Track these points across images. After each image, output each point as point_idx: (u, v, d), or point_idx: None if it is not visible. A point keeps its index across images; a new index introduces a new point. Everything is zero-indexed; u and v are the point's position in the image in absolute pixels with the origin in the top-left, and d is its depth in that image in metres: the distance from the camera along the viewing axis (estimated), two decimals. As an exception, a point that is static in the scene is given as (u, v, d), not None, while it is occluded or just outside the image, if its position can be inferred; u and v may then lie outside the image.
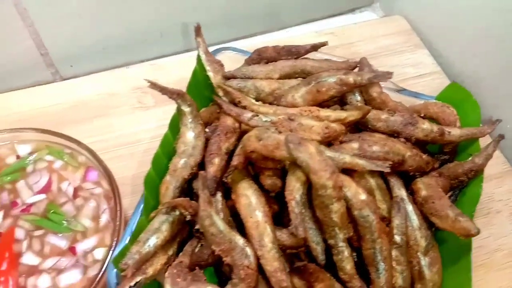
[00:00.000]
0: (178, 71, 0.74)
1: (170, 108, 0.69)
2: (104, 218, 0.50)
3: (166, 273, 0.44)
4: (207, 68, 0.55)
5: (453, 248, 0.47)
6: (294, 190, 0.41)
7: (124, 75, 0.75)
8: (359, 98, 0.52)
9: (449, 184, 0.50)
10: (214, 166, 0.45)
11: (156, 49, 0.79)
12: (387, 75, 0.46)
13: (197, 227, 0.47)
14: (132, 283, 0.42)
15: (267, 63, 0.56)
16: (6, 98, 0.70)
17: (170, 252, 0.47)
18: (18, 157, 0.54)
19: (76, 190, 0.52)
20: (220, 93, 0.54)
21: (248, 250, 0.42)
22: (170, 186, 0.46)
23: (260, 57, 0.57)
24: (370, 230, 0.42)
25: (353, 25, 0.85)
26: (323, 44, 0.54)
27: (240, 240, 0.42)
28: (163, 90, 0.46)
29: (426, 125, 0.50)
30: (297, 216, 0.40)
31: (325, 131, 0.44)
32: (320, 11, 0.89)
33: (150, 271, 0.44)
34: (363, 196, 0.42)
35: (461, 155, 0.54)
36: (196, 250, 0.48)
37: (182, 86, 0.71)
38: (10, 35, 0.67)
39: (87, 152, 0.53)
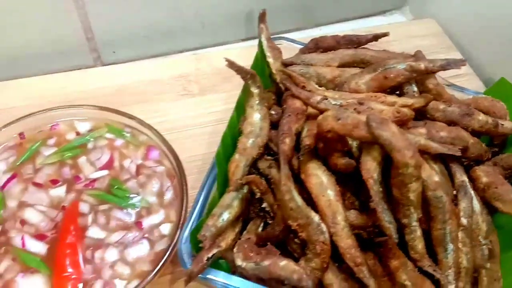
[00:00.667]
0: (219, 62, 0.76)
1: (214, 97, 0.71)
2: (169, 195, 0.51)
3: (235, 249, 0.45)
4: (268, 54, 0.56)
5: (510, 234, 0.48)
6: (371, 169, 0.42)
7: (165, 63, 0.76)
8: (415, 89, 0.53)
9: (503, 173, 0.52)
10: (286, 145, 0.46)
11: (196, 39, 0.80)
12: (460, 62, 0.48)
13: (264, 205, 0.48)
14: (210, 255, 0.42)
15: (323, 52, 0.57)
16: (48, 79, 0.70)
17: (237, 229, 0.47)
18: (77, 133, 0.54)
19: (138, 167, 0.52)
20: (278, 79, 0.56)
21: (324, 227, 0.43)
22: (240, 164, 0.47)
23: (317, 46, 0.58)
24: (442, 211, 0.43)
25: (387, 26, 0.88)
26: (385, 34, 0.56)
27: (315, 217, 0.43)
28: (239, 69, 0.47)
29: (481, 116, 0.52)
30: (377, 194, 0.42)
31: (396, 115, 0.46)
32: (353, 11, 0.91)
33: (223, 245, 0.45)
34: (436, 178, 0.43)
35: (509, 148, 0.56)
36: (260, 228, 0.49)
37: (221, 77, 0.73)
38: (60, 16, 0.67)
39: (149, 130, 0.53)
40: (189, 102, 0.70)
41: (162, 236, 0.48)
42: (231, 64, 0.47)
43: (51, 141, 0.53)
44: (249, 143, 0.48)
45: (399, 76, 0.49)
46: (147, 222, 0.49)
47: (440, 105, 0.52)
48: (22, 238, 0.46)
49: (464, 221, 0.45)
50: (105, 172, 0.51)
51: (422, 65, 0.48)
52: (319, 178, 0.45)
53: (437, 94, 0.53)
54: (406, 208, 0.42)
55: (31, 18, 0.66)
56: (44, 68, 0.71)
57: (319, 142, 0.46)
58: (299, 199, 0.42)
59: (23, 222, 0.47)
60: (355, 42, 0.55)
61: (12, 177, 0.50)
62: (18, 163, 0.51)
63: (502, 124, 0.53)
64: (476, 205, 0.47)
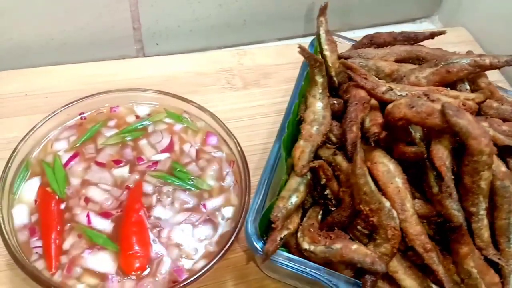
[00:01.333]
0: (261, 58, 0.77)
1: (257, 91, 0.72)
2: (229, 179, 0.51)
3: (299, 234, 0.46)
4: (325, 47, 0.57)
5: None
6: (444, 156, 0.43)
7: (207, 57, 0.76)
8: (468, 87, 0.55)
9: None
10: (353, 133, 0.47)
11: (238, 36, 0.81)
12: (526, 58, 0.49)
13: (326, 192, 0.49)
14: (282, 235, 0.43)
15: (377, 48, 0.59)
16: (98, 66, 0.70)
17: (299, 215, 0.48)
18: (137, 117, 0.55)
19: (198, 152, 0.53)
20: (333, 73, 0.57)
21: (394, 213, 0.43)
22: (305, 149, 0.48)
23: (372, 42, 0.59)
24: (508, 201, 0.44)
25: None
26: (442, 32, 0.57)
27: (387, 203, 0.43)
28: (310, 56, 0.48)
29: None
30: (450, 180, 0.42)
31: (462, 107, 0.47)
32: (385, 17, 0.93)
33: (291, 227, 0.45)
34: (504, 168, 0.44)
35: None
36: (319, 216, 0.49)
37: (263, 73, 0.75)
38: (113, 3, 0.68)
39: (208, 116, 0.54)
40: (234, 95, 0.70)
41: (226, 218, 0.48)
42: (303, 50, 0.48)
43: (112, 123, 0.53)
44: (314, 130, 0.49)
45: (462, 70, 0.50)
46: (209, 205, 0.49)
47: (493, 103, 0.53)
48: (88, 215, 0.46)
49: (526, 212, 0.46)
50: (166, 155, 0.52)
51: (487, 60, 0.49)
52: (385, 166, 0.46)
53: (490, 93, 0.55)
54: (476, 197, 0.43)
55: (85, 3, 0.66)
56: (88, 55, 0.71)
57: (381, 132, 0.47)
58: (372, 184, 0.43)
59: (87, 200, 0.47)
60: (412, 38, 0.57)
61: (74, 155, 0.50)
62: (79, 143, 0.51)
63: None
64: None
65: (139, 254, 0.44)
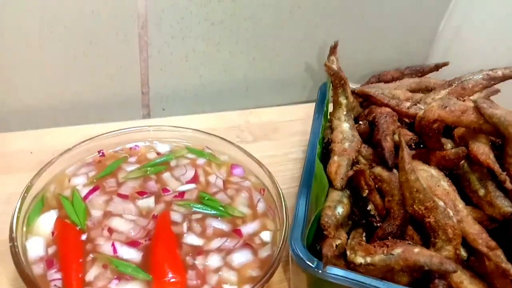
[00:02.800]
0: (266, 116, 0.79)
1: (268, 143, 0.72)
2: (261, 205, 0.48)
3: (348, 251, 0.42)
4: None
5: None
6: (486, 152, 0.43)
7: (214, 117, 0.77)
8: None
9: None
10: (388, 142, 0.46)
11: (241, 101, 0.83)
12: (538, 66, 0.52)
13: (369, 207, 0.46)
14: (337, 242, 0.39)
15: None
16: (102, 128, 0.68)
17: (346, 230, 0.44)
18: (158, 154, 0.52)
19: (225, 182, 0.50)
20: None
21: (450, 212, 0.41)
22: (342, 163, 0.46)
23: (379, 80, 0.62)
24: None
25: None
26: (445, 64, 0.61)
27: (440, 202, 0.41)
28: (336, 73, 0.49)
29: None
30: (500, 170, 0.41)
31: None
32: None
33: (342, 238, 0.41)
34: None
35: None
36: (363, 237, 0.46)
37: (271, 128, 0.75)
38: (123, 66, 0.69)
39: (233, 148, 0.52)
40: (246, 148, 0.69)
41: (264, 243, 0.44)
42: (329, 68, 0.49)
43: (132, 159, 0.51)
44: (346, 146, 0.48)
45: (477, 85, 0.52)
46: (245, 230, 0.45)
47: None
48: (113, 245, 0.40)
49: None
50: (192, 185, 0.49)
51: (499, 72, 0.52)
52: (427, 171, 0.45)
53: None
54: (526, 188, 0.41)
55: (98, 66, 0.68)
56: (96, 118, 0.71)
57: (416, 138, 0.47)
58: (423, 181, 0.41)
59: (111, 231, 0.42)
60: (419, 71, 0.60)
61: (94, 189, 0.46)
62: (99, 177, 0.48)
63: None
64: None
65: (175, 280, 0.38)
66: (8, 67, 0.63)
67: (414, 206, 0.41)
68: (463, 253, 0.42)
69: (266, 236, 0.45)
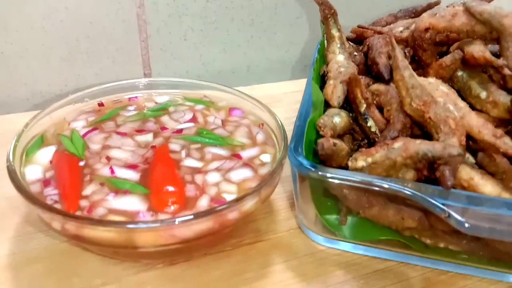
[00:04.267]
0: (270, 90, 0.79)
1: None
2: (260, 137, 0.47)
3: (350, 162, 0.40)
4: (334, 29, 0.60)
5: None
6: (482, 49, 0.42)
7: (218, 92, 0.77)
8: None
9: None
10: (383, 59, 0.46)
11: (242, 81, 0.84)
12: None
13: (369, 124, 0.45)
14: (335, 141, 0.37)
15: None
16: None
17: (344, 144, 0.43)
18: (156, 103, 0.53)
19: (223, 121, 0.50)
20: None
21: (450, 106, 0.40)
22: (337, 84, 0.46)
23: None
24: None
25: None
26: (437, 2, 0.61)
27: (439, 98, 0.40)
28: (324, 2, 0.50)
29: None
30: (498, 60, 0.40)
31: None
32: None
33: (342, 144, 0.40)
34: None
35: None
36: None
37: (274, 99, 0.75)
38: (123, 47, 0.71)
39: (229, 94, 0.53)
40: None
41: (264, 163, 0.43)
42: (316, -4, 0.50)
43: (131, 107, 0.51)
44: (342, 70, 0.48)
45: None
46: (245, 154, 0.44)
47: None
48: (110, 168, 0.40)
49: None
50: (191, 124, 0.48)
51: None
52: (425, 80, 0.44)
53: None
54: (529, 79, 0.40)
55: (99, 49, 0.70)
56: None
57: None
58: (419, 79, 0.40)
59: (109, 158, 0.42)
60: (412, 12, 0.60)
61: (93, 129, 0.46)
62: (98, 121, 0.48)
63: None
64: None
65: (172, 192, 0.37)
66: (13, 53, 0.66)
67: (412, 103, 0.40)
68: (471, 158, 0.41)
69: (266, 158, 0.44)
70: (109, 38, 0.70)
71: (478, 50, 0.42)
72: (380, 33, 0.51)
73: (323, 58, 0.53)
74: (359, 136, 0.46)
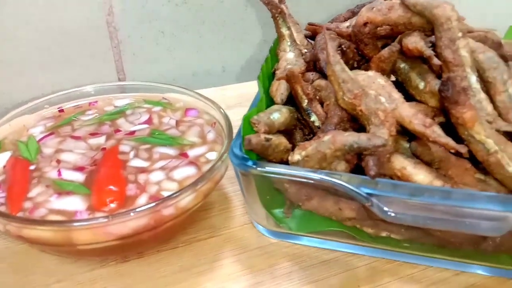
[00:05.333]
0: (242, 90, 0.80)
1: (240, 109, 0.73)
2: (211, 135, 0.48)
3: (290, 156, 0.41)
4: (293, 28, 0.60)
5: None
6: (416, 40, 0.42)
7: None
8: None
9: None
10: (324, 54, 0.47)
11: (219, 81, 0.85)
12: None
13: (313, 118, 0.46)
14: (268, 136, 0.39)
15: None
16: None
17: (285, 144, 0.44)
18: (116, 107, 0.55)
19: (177, 122, 0.51)
20: (303, 50, 0.59)
21: (382, 98, 0.40)
22: (282, 81, 0.47)
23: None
24: (499, 71, 0.41)
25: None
26: None
27: (371, 91, 0.41)
28: (270, 2, 0.51)
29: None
30: (428, 50, 0.41)
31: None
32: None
33: (279, 140, 0.41)
34: (481, 44, 0.43)
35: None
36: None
37: (246, 99, 0.76)
38: (96, 54, 0.74)
39: (187, 95, 0.54)
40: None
41: (209, 160, 0.44)
42: (263, -3, 0.51)
43: (90, 112, 0.53)
44: (288, 67, 0.49)
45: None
46: (192, 153, 0.45)
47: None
48: (58, 170, 0.42)
49: (527, 89, 0.43)
50: (145, 126, 0.50)
51: None
52: (364, 74, 0.45)
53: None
54: (462, 69, 0.41)
55: (74, 54, 0.72)
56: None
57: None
58: (350, 72, 0.41)
59: (59, 161, 0.44)
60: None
61: (49, 134, 0.48)
62: (55, 126, 0.50)
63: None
64: None
65: (112, 191, 0.39)
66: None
67: (344, 97, 0.40)
68: (405, 144, 0.41)
69: (212, 155, 0.45)
70: (81, 45, 0.72)
71: (413, 41, 0.42)
72: (328, 29, 0.52)
73: (275, 56, 0.54)
74: (308, 131, 0.47)
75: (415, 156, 0.41)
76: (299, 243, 0.46)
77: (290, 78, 0.43)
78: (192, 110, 0.53)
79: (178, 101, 0.55)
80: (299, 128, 0.48)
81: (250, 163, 0.39)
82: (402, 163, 0.39)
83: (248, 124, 0.40)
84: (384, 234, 0.42)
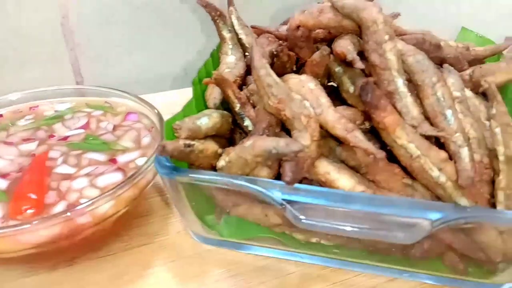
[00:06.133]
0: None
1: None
2: (146, 140, 0.48)
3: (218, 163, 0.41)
4: (240, 32, 0.60)
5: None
6: (344, 44, 0.42)
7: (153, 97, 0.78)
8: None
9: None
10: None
11: (183, 84, 0.84)
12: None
13: (246, 123, 0.45)
14: (188, 142, 0.38)
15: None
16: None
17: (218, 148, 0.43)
18: (56, 111, 0.54)
19: (115, 126, 0.50)
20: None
21: (307, 103, 0.40)
22: (215, 87, 0.46)
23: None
24: (428, 75, 0.41)
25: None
26: None
27: (297, 95, 0.40)
28: (207, 5, 0.50)
29: (451, 42, 0.53)
30: (353, 51, 0.40)
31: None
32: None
33: (204, 145, 0.40)
34: (411, 47, 0.42)
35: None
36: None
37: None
38: (52, 58, 0.73)
39: (129, 99, 0.53)
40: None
41: (138, 167, 0.43)
42: (201, 0, 0.50)
43: (29, 117, 0.52)
44: (225, 72, 0.48)
45: None
46: (122, 159, 0.45)
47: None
48: (-20, 178, 0.41)
49: (457, 93, 0.42)
50: (80, 130, 0.49)
51: None
52: (296, 78, 0.44)
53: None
54: (388, 73, 0.40)
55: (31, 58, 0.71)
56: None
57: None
58: (276, 77, 0.40)
59: (-16, 169, 0.43)
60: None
61: (-18, 141, 0.48)
62: (-10, 132, 0.49)
63: (474, 49, 0.53)
64: (467, 91, 0.44)
65: (30, 198, 0.38)
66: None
67: (269, 102, 0.40)
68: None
69: (141, 161, 0.44)
70: (37, 49, 0.71)
71: (341, 45, 0.42)
72: (269, 32, 0.51)
73: (217, 59, 0.53)
74: (245, 136, 0.46)
75: (341, 161, 0.40)
76: (234, 250, 0.45)
77: (219, 82, 0.43)
78: (132, 114, 0.52)
79: (121, 106, 0.54)
80: (239, 133, 0.47)
81: (169, 170, 0.38)
82: (326, 168, 0.39)
83: (170, 130, 0.39)
84: (314, 240, 0.42)
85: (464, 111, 0.41)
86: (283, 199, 0.35)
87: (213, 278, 0.43)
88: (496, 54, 0.54)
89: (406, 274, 0.41)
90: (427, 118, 0.40)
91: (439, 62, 0.47)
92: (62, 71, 0.74)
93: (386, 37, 0.40)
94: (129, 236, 0.47)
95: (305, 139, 0.38)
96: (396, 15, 0.57)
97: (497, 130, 0.37)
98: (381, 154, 0.35)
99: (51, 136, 0.48)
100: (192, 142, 0.39)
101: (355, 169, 0.40)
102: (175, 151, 0.37)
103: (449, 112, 0.39)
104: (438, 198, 0.38)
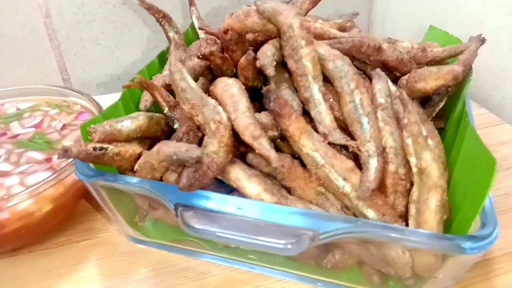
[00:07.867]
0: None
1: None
2: (88, 140, 0.49)
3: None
4: (199, 31, 0.60)
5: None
6: (264, 50, 0.41)
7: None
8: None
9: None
10: (192, 61, 0.47)
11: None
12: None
13: (176, 126, 0.45)
14: (97, 145, 0.39)
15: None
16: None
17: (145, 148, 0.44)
18: (17, 109, 0.57)
19: (65, 125, 0.53)
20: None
21: (220, 108, 0.40)
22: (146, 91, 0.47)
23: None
24: (346, 81, 0.39)
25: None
26: None
27: (212, 100, 0.40)
28: (151, 8, 0.51)
29: (406, 43, 0.51)
30: (268, 57, 0.39)
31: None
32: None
33: (120, 148, 0.41)
34: (336, 51, 0.41)
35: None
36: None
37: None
38: (37, 55, 0.76)
39: (85, 99, 0.55)
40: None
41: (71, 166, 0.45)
42: (142, 2, 0.51)
43: (-10, 115, 0.56)
44: (165, 73, 0.49)
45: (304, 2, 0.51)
46: (56, 158, 0.46)
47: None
48: None
49: (381, 100, 0.40)
50: (31, 129, 0.52)
51: None
52: (224, 81, 0.44)
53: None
54: (305, 79, 0.39)
55: (15, 56, 0.75)
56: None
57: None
58: (192, 81, 0.40)
59: None
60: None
61: None
62: None
63: (432, 50, 0.51)
64: (393, 87, 0.42)
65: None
66: None
67: (183, 106, 0.40)
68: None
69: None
70: (22, 48, 0.75)
71: (262, 50, 0.41)
72: (213, 34, 0.51)
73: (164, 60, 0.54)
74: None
75: (253, 167, 0.40)
76: (163, 250, 0.46)
77: (143, 86, 0.43)
78: (84, 113, 0.54)
79: (76, 105, 0.56)
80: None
81: (87, 173, 0.39)
82: (236, 174, 0.39)
83: (86, 133, 0.41)
84: (233, 245, 0.42)
85: (386, 119, 0.39)
86: (177, 204, 0.35)
87: (138, 277, 0.44)
88: (456, 56, 0.51)
89: (321, 283, 0.41)
90: (347, 125, 0.39)
91: (380, 65, 0.46)
92: (48, 69, 0.78)
93: (302, 42, 0.39)
94: (72, 231, 0.49)
95: (213, 144, 0.38)
96: (355, 14, 0.55)
97: (409, 140, 0.36)
98: (277, 163, 0.35)
99: (4, 134, 0.51)
100: (106, 145, 0.40)
101: (271, 176, 0.40)
102: (81, 154, 0.38)
103: (365, 120, 0.38)
104: (347, 208, 0.37)
